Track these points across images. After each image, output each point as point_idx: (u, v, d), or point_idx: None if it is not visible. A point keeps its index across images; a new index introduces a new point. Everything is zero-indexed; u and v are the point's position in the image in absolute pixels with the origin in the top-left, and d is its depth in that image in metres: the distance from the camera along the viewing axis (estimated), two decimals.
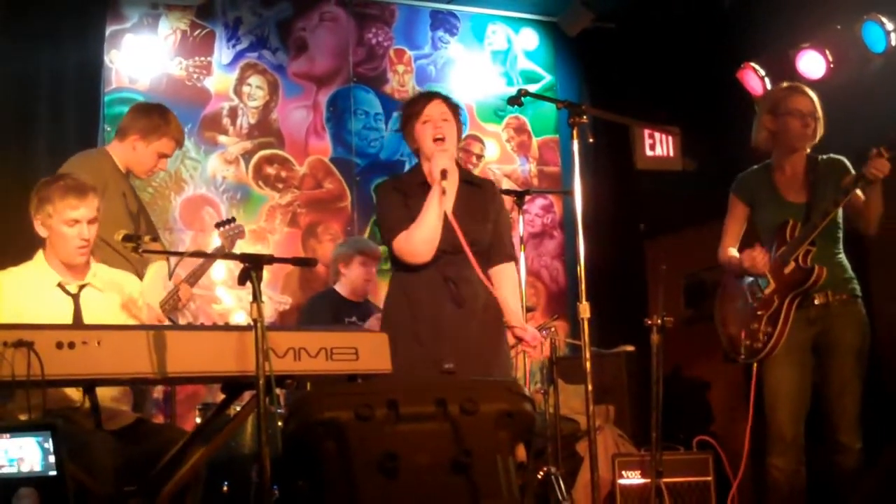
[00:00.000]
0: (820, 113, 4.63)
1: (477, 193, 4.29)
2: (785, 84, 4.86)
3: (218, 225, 5.33)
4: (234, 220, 5.39)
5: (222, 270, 6.62)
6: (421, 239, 4.13)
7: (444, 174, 4.10)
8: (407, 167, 6.36)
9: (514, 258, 4.40)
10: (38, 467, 2.76)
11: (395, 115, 7.18)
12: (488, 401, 3.16)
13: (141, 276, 4.45)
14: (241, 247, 5.22)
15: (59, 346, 3.07)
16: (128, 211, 4.68)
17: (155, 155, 4.81)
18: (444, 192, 4.11)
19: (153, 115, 4.82)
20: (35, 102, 6.13)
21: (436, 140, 4.20)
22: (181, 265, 4.04)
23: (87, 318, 3.87)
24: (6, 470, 2.73)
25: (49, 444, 2.79)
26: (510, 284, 4.32)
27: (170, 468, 3.52)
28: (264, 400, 3.05)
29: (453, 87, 7.50)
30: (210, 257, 4.93)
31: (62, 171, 4.43)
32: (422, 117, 4.23)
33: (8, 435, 2.76)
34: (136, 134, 4.76)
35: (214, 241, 5.43)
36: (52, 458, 2.78)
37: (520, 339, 4.27)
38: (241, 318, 6.61)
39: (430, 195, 4.15)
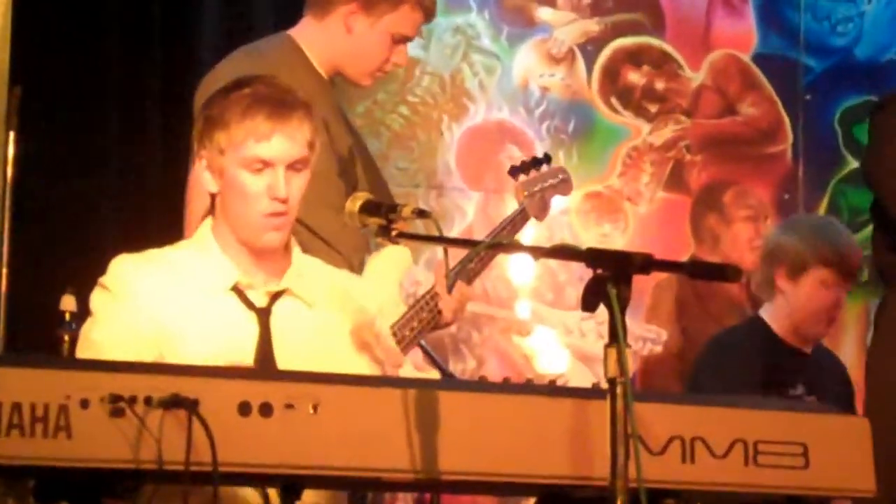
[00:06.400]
0: None
1: None
2: None
3: (514, 171, 3.77)
4: (543, 160, 3.85)
5: (527, 266, 5.00)
6: None
7: None
8: None
9: None
10: None
11: None
12: None
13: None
14: (572, 226, 4.40)
15: (244, 409, 2.07)
16: (336, 153, 3.47)
17: (388, 38, 3.63)
18: None
19: None
20: None
21: None
22: (434, 251, 3.57)
23: (285, 353, 2.71)
24: None
25: None
26: None
27: None
28: None
29: None
30: (517, 251, 4.13)
31: (217, 69, 3.33)
32: None
33: None
34: (350, 3, 3.60)
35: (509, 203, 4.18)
36: None
37: None
38: (543, 345, 4.98)
39: None
